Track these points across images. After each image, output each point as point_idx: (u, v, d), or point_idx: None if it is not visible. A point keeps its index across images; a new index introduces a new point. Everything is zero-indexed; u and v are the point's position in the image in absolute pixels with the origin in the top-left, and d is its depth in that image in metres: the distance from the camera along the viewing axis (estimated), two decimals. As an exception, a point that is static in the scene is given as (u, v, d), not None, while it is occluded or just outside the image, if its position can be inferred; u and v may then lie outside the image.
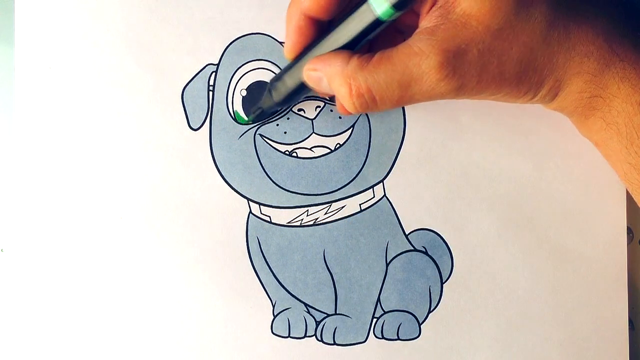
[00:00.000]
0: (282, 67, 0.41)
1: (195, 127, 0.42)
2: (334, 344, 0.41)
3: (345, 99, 0.35)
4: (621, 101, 0.35)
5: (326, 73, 0.35)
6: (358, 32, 0.35)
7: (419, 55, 0.33)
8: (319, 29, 0.37)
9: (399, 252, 0.42)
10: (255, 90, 0.42)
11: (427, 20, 0.34)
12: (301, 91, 0.38)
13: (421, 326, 0.42)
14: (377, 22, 0.34)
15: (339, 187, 0.42)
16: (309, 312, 0.42)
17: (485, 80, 0.34)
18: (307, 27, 0.36)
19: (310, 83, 0.37)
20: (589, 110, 0.36)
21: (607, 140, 0.37)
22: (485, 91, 0.35)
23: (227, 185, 0.42)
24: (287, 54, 0.38)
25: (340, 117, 0.42)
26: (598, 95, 0.35)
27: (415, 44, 0.34)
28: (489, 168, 0.42)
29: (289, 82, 0.38)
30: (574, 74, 0.35)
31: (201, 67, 0.42)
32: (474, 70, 0.34)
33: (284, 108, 0.41)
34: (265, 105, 0.40)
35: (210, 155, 0.42)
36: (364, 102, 0.35)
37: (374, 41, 0.37)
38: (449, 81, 0.34)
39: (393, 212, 0.42)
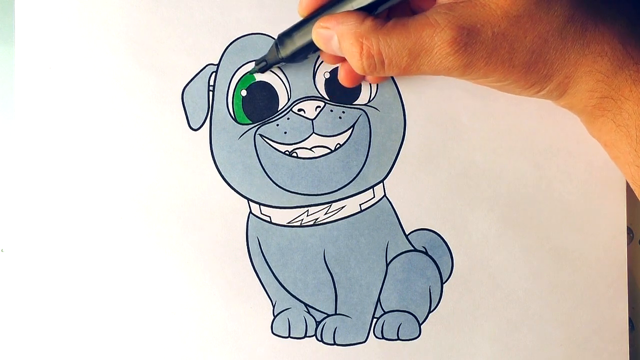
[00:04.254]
0: (282, 67, 0.41)
1: (195, 127, 0.42)
2: (334, 344, 0.41)
3: (355, 58, 0.35)
4: (633, 104, 0.35)
5: (338, 31, 0.35)
6: None
7: (433, 27, 0.34)
8: None
9: (399, 252, 0.42)
10: (256, 90, 0.42)
11: None
12: (309, 50, 0.38)
13: (421, 326, 0.42)
14: None
15: (339, 187, 0.42)
16: (309, 312, 0.42)
17: (494, 63, 0.34)
18: None
19: (319, 41, 0.37)
20: (599, 110, 0.36)
21: (616, 142, 0.37)
22: (492, 75, 0.35)
23: (227, 185, 0.42)
24: (301, 10, 0.38)
25: (340, 117, 0.42)
26: (609, 96, 0.35)
27: (432, 16, 0.34)
28: (489, 168, 0.42)
29: (298, 40, 0.38)
30: (586, 72, 0.35)
31: (201, 67, 0.42)
32: (484, 51, 0.34)
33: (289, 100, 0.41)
34: (270, 59, 0.40)
35: (210, 155, 0.42)
36: (372, 63, 0.35)
37: (389, 18, 0.37)
38: (458, 57, 0.34)
39: (393, 212, 0.42)
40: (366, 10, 0.36)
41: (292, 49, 0.38)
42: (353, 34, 0.35)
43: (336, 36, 0.35)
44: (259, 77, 0.41)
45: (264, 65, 0.40)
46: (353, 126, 0.42)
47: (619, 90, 0.35)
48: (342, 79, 0.40)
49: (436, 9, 0.34)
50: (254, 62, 0.41)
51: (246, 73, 0.41)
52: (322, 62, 0.42)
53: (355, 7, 0.36)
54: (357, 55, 0.35)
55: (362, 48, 0.35)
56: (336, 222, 0.42)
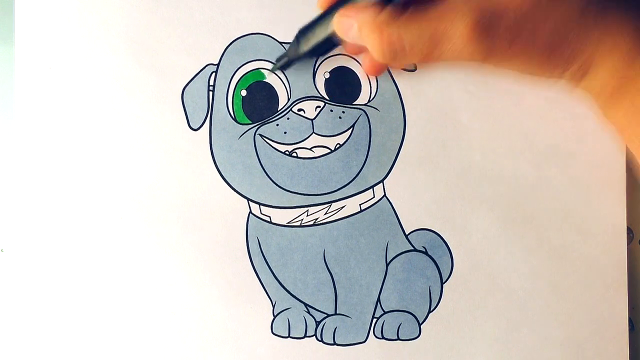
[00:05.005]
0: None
1: (195, 127, 0.42)
2: (334, 344, 0.41)
3: (375, 47, 0.35)
4: None
5: (358, 20, 0.35)
6: None
7: (454, 12, 0.33)
8: None
9: (399, 252, 0.42)
10: (255, 90, 0.42)
11: None
12: (329, 43, 0.38)
13: (421, 326, 0.42)
14: None
15: (339, 187, 0.42)
16: (309, 312, 0.42)
17: (517, 46, 0.34)
18: None
19: (340, 30, 0.37)
20: (617, 91, 0.36)
21: (632, 124, 0.36)
22: (515, 59, 0.35)
23: (227, 185, 0.42)
24: (320, 4, 0.38)
25: (340, 117, 0.42)
26: (628, 76, 0.35)
27: (452, 2, 0.34)
28: (489, 168, 0.42)
29: (319, 33, 0.38)
30: (607, 51, 0.35)
31: (201, 67, 0.42)
32: (507, 35, 0.34)
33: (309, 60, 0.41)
34: (291, 54, 0.40)
35: (210, 155, 0.42)
36: (394, 51, 0.35)
37: (407, 4, 0.37)
38: (480, 42, 0.33)
39: (393, 212, 0.42)
40: (384, 1, 0.36)
41: (313, 43, 0.38)
42: (373, 22, 0.35)
43: (356, 25, 0.35)
44: (259, 76, 0.41)
45: (285, 61, 0.40)
46: (353, 126, 0.42)
47: (639, 70, 0.35)
48: (367, 68, 0.40)
49: None
50: (260, 62, 0.41)
51: (251, 71, 0.41)
52: (322, 62, 0.42)
53: None
54: (378, 43, 0.35)
55: (383, 36, 0.35)
56: (336, 222, 0.42)
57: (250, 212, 0.42)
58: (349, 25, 0.36)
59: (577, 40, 0.34)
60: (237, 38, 0.42)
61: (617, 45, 0.35)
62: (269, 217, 0.42)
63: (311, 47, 0.38)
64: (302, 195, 0.42)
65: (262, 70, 0.41)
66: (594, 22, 0.34)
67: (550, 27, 0.34)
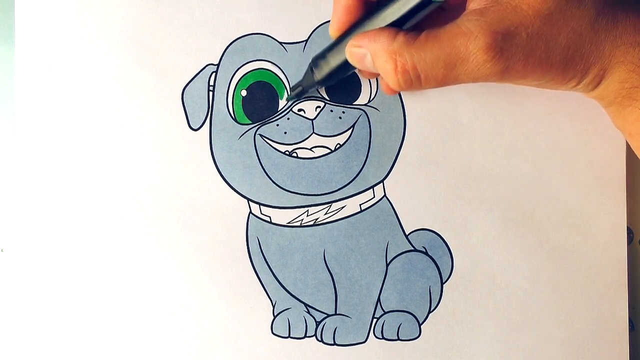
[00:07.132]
0: (282, 68, 0.41)
1: (195, 127, 0.42)
2: (334, 344, 0.41)
3: (390, 76, 0.35)
4: None
5: (371, 49, 0.35)
6: (406, 10, 0.35)
7: (467, 36, 0.33)
8: (367, 8, 0.36)
9: (399, 252, 0.42)
10: (256, 90, 0.42)
11: (477, 2, 0.34)
12: (344, 70, 0.38)
13: (421, 326, 0.42)
14: (426, 2, 0.34)
15: (339, 187, 0.42)
16: (309, 312, 0.42)
17: (532, 64, 0.34)
18: (355, 6, 0.36)
19: (353, 60, 0.36)
20: (628, 100, 0.36)
21: None
22: (531, 75, 0.35)
23: (227, 185, 0.42)
24: (332, 32, 0.37)
25: (340, 118, 0.42)
26: (639, 86, 0.35)
27: (463, 24, 0.34)
28: (489, 168, 0.42)
29: (332, 60, 0.38)
30: (618, 62, 0.35)
31: (201, 67, 0.42)
32: (521, 54, 0.34)
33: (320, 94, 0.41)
34: (305, 83, 0.40)
35: (210, 155, 0.42)
36: (409, 79, 0.35)
37: (418, 22, 0.37)
38: (495, 63, 0.34)
39: (393, 212, 0.42)
40: (397, 25, 0.35)
41: (328, 71, 0.38)
42: (386, 51, 0.34)
43: (369, 55, 0.35)
44: (259, 77, 0.41)
45: (300, 90, 0.40)
46: (353, 126, 0.42)
47: None
48: (385, 89, 0.40)
49: (467, 16, 0.34)
50: (260, 62, 0.41)
51: (252, 71, 0.41)
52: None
53: (387, 23, 0.35)
54: (392, 72, 0.35)
55: (397, 65, 0.34)
56: (336, 222, 0.42)
57: (250, 212, 0.42)
58: (362, 55, 0.36)
59: (590, 53, 0.35)
60: (237, 38, 0.42)
61: (627, 57, 0.35)
62: (269, 217, 0.42)
63: (326, 74, 0.38)
64: (302, 196, 0.42)
65: (275, 79, 0.41)
66: (605, 34, 0.34)
67: (563, 42, 0.34)
